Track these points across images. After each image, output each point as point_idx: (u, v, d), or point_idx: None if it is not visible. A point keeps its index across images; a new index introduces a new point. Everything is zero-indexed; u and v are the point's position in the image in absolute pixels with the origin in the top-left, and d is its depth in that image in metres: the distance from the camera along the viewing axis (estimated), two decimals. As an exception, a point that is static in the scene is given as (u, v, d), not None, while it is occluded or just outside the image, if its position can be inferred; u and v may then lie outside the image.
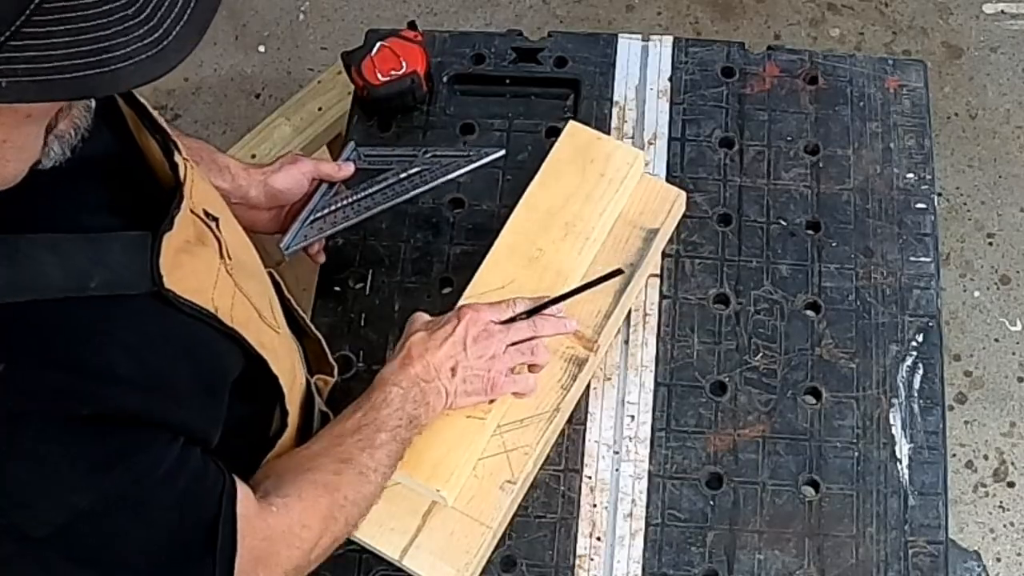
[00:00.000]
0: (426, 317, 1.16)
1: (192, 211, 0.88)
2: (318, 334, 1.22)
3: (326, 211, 1.29)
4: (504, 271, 1.22)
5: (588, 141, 1.29)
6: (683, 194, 1.32)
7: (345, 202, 1.29)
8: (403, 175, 1.29)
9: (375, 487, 1.05)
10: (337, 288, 1.32)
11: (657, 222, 1.28)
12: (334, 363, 1.24)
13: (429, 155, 1.30)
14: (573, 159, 1.28)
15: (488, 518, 1.14)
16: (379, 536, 1.14)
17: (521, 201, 1.26)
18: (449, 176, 1.28)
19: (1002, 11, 2.48)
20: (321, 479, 1.01)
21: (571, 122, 1.31)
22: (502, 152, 1.30)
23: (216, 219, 0.92)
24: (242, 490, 0.89)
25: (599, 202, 1.25)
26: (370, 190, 1.29)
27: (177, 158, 0.89)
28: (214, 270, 0.89)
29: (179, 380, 0.82)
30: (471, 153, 1.30)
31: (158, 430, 0.80)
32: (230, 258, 0.93)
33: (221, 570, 0.85)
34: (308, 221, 1.29)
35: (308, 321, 1.22)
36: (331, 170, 1.29)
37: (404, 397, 1.08)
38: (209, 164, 1.18)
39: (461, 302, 1.19)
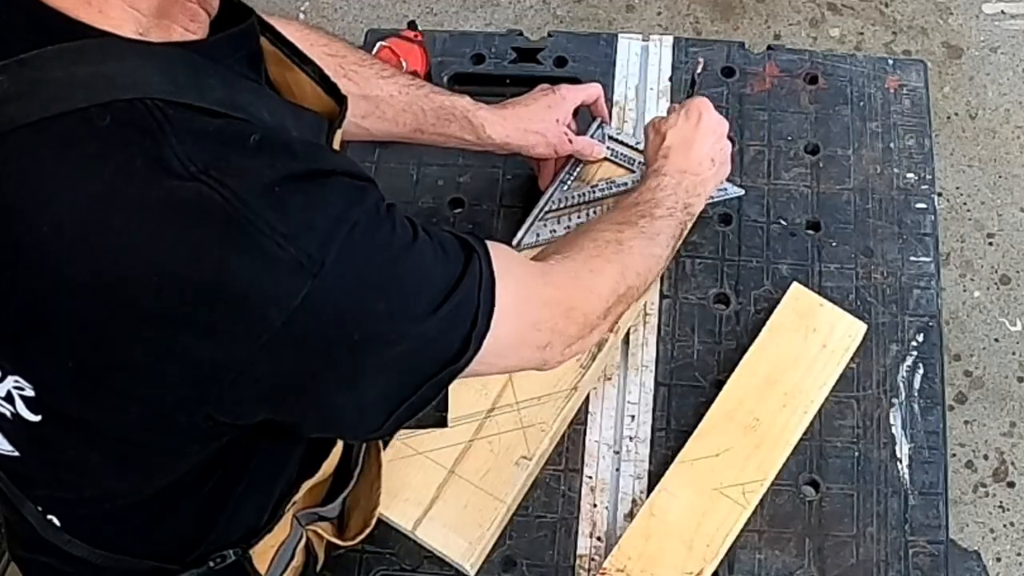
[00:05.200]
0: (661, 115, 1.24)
1: None
2: None
3: (560, 207, 1.31)
4: (720, 439, 1.18)
5: (811, 307, 1.25)
6: None
7: (581, 200, 1.31)
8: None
9: (659, 248, 1.09)
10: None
11: None
12: None
13: None
14: (795, 325, 1.24)
15: (502, 493, 1.15)
16: (393, 506, 1.15)
17: (741, 364, 1.22)
18: None
19: (1002, 11, 2.48)
20: (602, 236, 1.05)
21: (795, 284, 1.27)
22: (743, 192, 1.33)
23: None
24: (498, 247, 0.89)
25: (820, 374, 1.22)
26: (607, 194, 1.31)
27: (335, 77, 0.91)
28: None
29: None
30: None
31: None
32: None
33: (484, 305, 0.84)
34: (542, 216, 1.31)
35: None
36: (586, 149, 1.32)
37: (678, 185, 1.15)
38: (461, 121, 1.21)
39: (676, 463, 1.17)
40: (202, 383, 0.74)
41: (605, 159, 1.35)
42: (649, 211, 1.11)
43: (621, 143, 1.36)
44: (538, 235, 1.31)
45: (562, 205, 1.32)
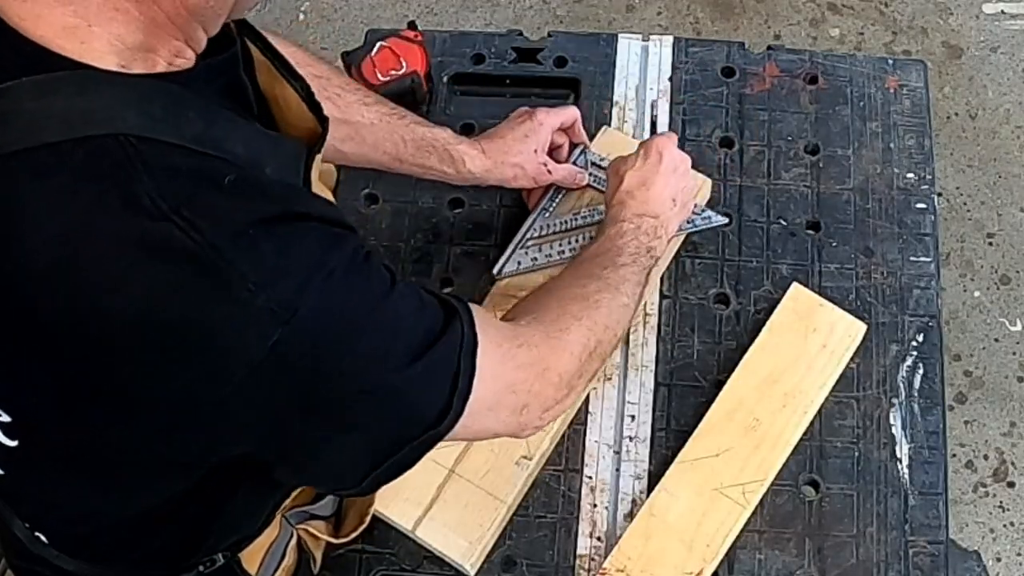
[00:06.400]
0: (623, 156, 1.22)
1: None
2: None
3: (542, 234, 1.30)
4: (720, 439, 1.18)
5: (811, 307, 1.25)
6: (708, 181, 1.33)
7: (563, 227, 1.30)
8: None
9: (626, 297, 1.07)
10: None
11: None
12: None
13: None
14: (795, 325, 1.24)
15: (503, 493, 1.16)
16: (393, 506, 1.15)
17: (741, 364, 1.22)
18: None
19: (1002, 11, 2.48)
20: (567, 293, 1.04)
21: (795, 284, 1.27)
22: (727, 221, 1.32)
23: None
24: (477, 310, 0.88)
25: (820, 374, 1.22)
26: (589, 222, 1.29)
27: (318, 98, 0.90)
28: None
29: None
30: (696, 211, 1.28)
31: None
32: None
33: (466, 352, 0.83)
34: (523, 244, 1.29)
35: None
36: (567, 179, 1.30)
37: (637, 229, 1.14)
38: (441, 153, 1.21)
39: (676, 463, 1.17)
40: (176, 416, 0.73)
41: (587, 186, 1.33)
42: (611, 260, 1.09)
43: (603, 168, 1.32)
44: (519, 263, 1.29)
45: (543, 233, 1.30)
